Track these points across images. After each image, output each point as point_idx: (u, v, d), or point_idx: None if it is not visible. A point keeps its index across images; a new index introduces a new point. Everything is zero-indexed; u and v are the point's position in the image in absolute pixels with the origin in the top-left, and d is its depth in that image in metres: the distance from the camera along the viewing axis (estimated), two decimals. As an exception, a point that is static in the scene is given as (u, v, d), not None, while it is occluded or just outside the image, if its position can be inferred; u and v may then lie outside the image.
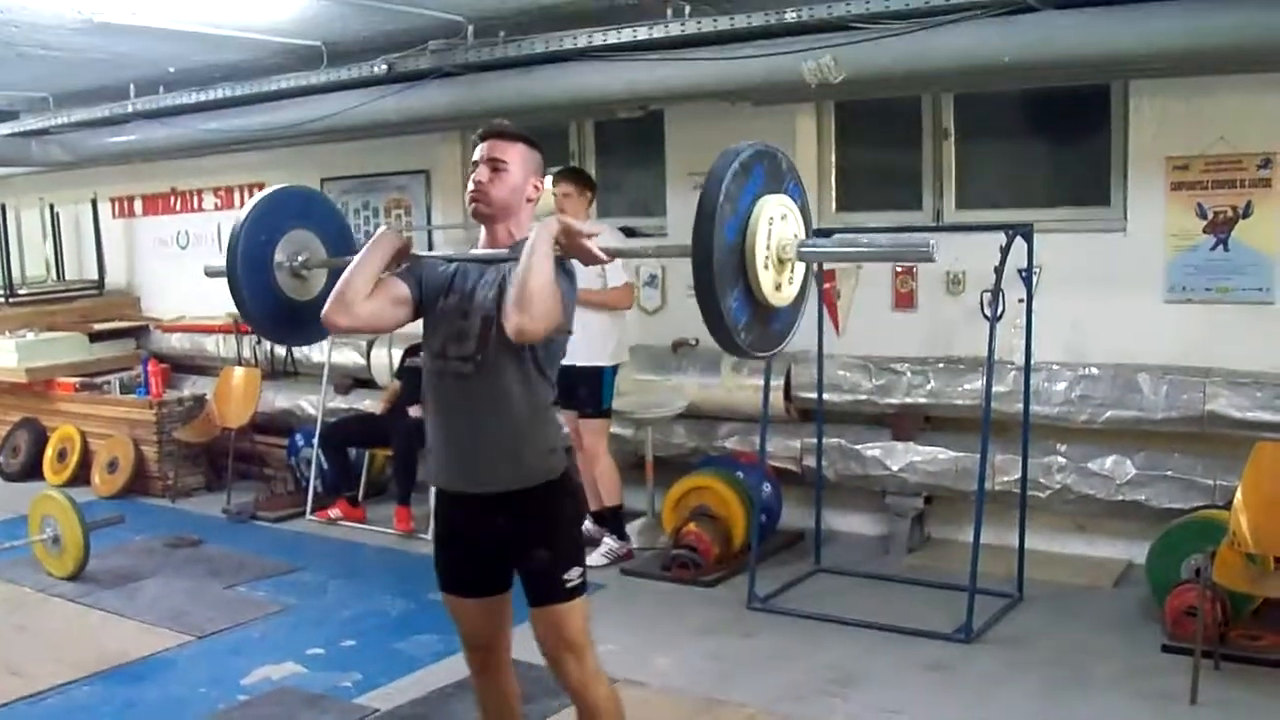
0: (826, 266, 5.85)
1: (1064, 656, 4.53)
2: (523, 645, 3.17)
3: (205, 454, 7.95)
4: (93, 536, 5.82)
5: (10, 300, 9.09)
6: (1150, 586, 4.82)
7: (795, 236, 2.69)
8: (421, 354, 3.10)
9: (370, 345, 7.69)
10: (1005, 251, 4.78)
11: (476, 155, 2.99)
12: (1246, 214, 5.15)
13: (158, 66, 6.74)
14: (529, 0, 5.35)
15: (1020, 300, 5.14)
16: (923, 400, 5.81)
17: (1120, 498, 5.32)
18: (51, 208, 9.68)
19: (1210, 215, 5.23)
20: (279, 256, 3.27)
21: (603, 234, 2.93)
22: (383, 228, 3.08)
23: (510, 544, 2.98)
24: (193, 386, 8.53)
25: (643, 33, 5.29)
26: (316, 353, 7.87)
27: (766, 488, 5.79)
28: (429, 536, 3.22)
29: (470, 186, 2.97)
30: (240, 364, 8.25)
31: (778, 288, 2.66)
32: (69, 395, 8.30)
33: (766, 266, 2.60)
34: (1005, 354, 5.30)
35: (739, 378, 6.18)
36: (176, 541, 6.55)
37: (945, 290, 5.89)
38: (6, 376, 8.32)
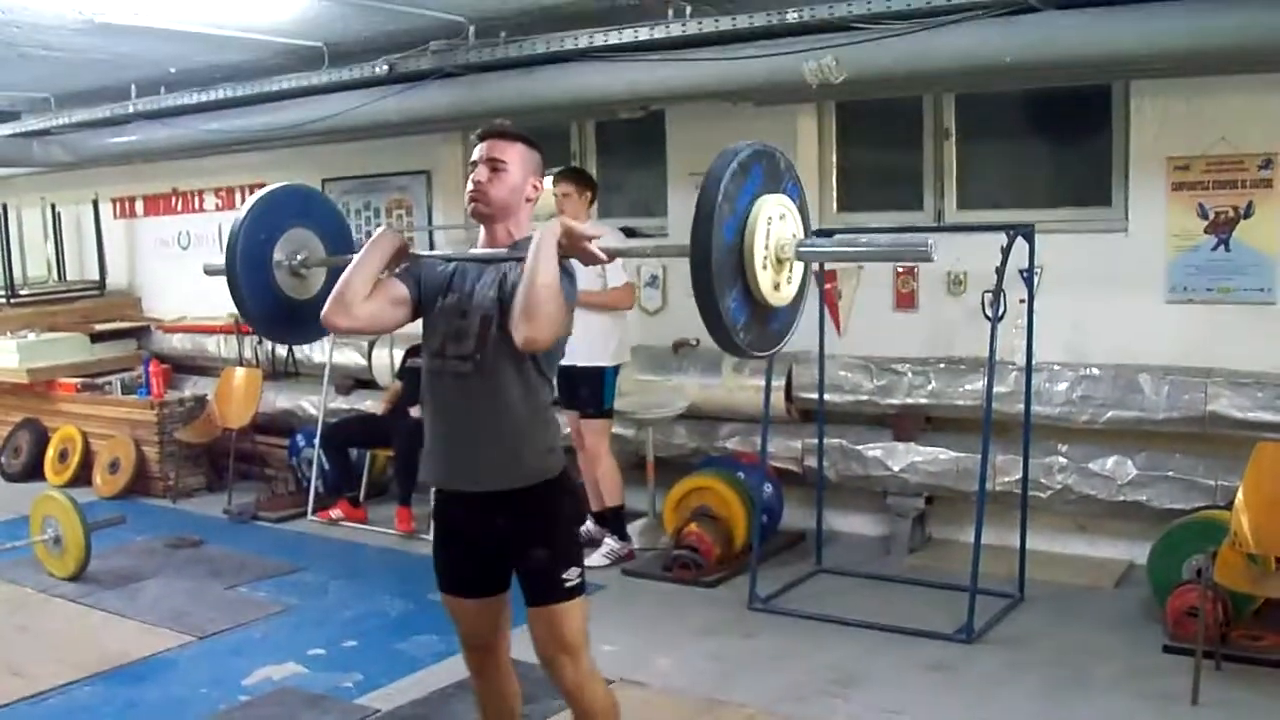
0: (827, 266, 5.85)
1: (1065, 657, 4.53)
2: (523, 646, 3.17)
3: (206, 454, 7.95)
4: (94, 537, 5.83)
5: (12, 301, 9.09)
6: (1151, 587, 4.82)
7: (794, 236, 2.68)
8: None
9: (371, 346, 7.69)
10: (1006, 252, 4.77)
11: (476, 155, 2.99)
12: (1248, 214, 5.15)
13: (159, 67, 6.75)
14: (530, 1, 5.35)
15: (1021, 300, 5.14)
16: (924, 401, 5.81)
17: (1121, 498, 5.32)
18: (53, 208, 9.69)
19: (1211, 215, 5.22)
20: (278, 255, 3.28)
21: (604, 236, 2.93)
22: (381, 228, 3.08)
23: (510, 543, 2.98)
24: (194, 387, 8.53)
25: (644, 33, 5.29)
26: (318, 353, 7.87)
27: (768, 488, 5.79)
28: (430, 537, 3.22)
29: (469, 186, 2.97)
30: (241, 364, 8.25)
31: (776, 287, 2.66)
32: (70, 396, 8.31)
33: (765, 266, 2.60)
34: (1006, 354, 5.30)
35: (740, 378, 6.18)
36: (178, 542, 6.56)
37: (946, 291, 5.89)
38: (8, 377, 8.32)
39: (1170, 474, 5.21)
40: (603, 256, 2.84)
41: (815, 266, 5.04)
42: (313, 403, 7.74)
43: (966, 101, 5.92)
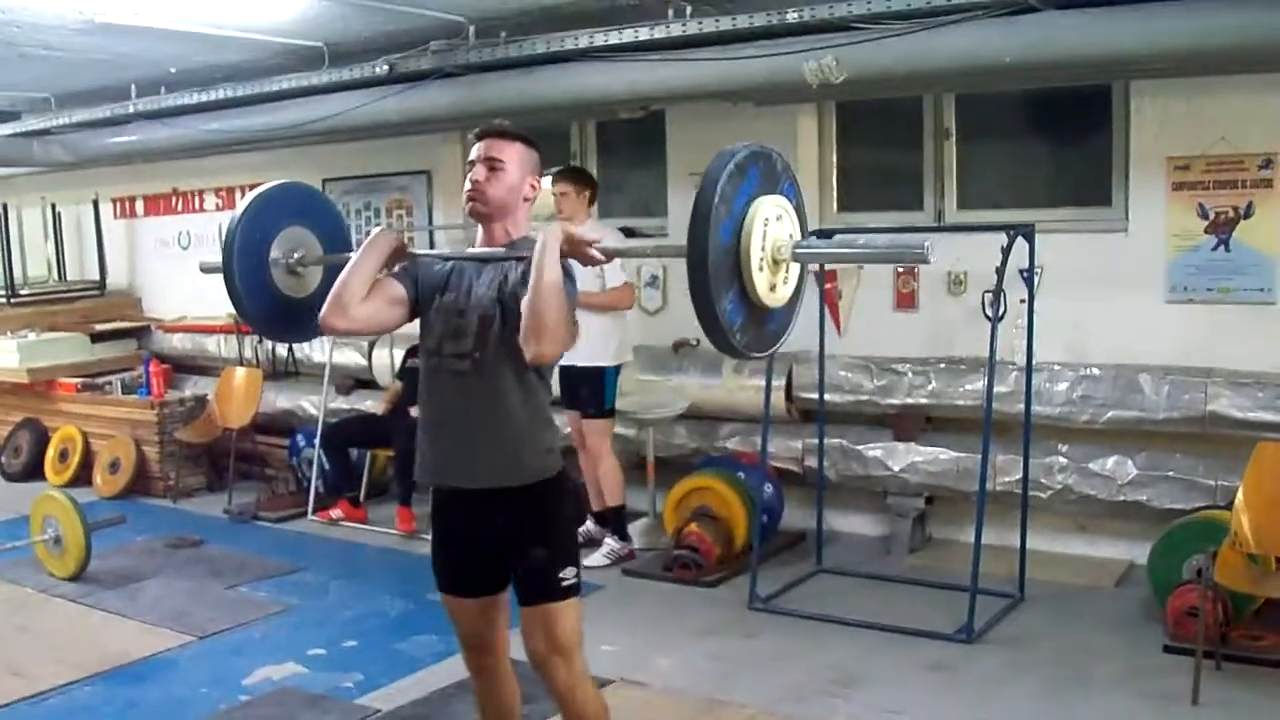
0: (827, 267, 5.85)
1: (1065, 657, 4.53)
2: (521, 646, 3.16)
3: (207, 454, 7.95)
4: (94, 537, 5.83)
5: (12, 300, 9.09)
6: (1152, 587, 4.82)
7: (790, 237, 2.68)
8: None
9: (372, 346, 7.69)
10: (1006, 252, 4.78)
11: (474, 154, 2.99)
12: (1248, 214, 5.15)
13: (159, 67, 6.75)
14: (530, 1, 5.35)
15: (1021, 300, 5.14)
16: (924, 401, 5.80)
17: (1122, 498, 5.32)
18: (53, 208, 9.69)
19: (1211, 215, 5.22)
20: (275, 253, 3.28)
21: (604, 238, 2.93)
22: (378, 228, 3.09)
23: (508, 543, 2.98)
24: (194, 387, 8.53)
25: (644, 33, 5.29)
26: (318, 353, 7.88)
27: (768, 488, 5.79)
28: (430, 537, 3.23)
29: (467, 186, 2.97)
30: (241, 364, 8.25)
31: (773, 288, 2.66)
32: (70, 396, 8.31)
33: (761, 268, 2.60)
34: (1006, 354, 5.30)
35: (740, 378, 6.17)
36: (178, 542, 6.56)
37: (947, 291, 5.89)
38: (8, 377, 8.32)
39: (1170, 474, 5.21)
40: (602, 259, 2.84)
41: (814, 267, 5.06)
42: (313, 403, 7.74)
43: (966, 101, 5.92)
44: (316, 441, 7.23)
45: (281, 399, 8.07)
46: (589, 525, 6.00)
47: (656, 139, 6.73)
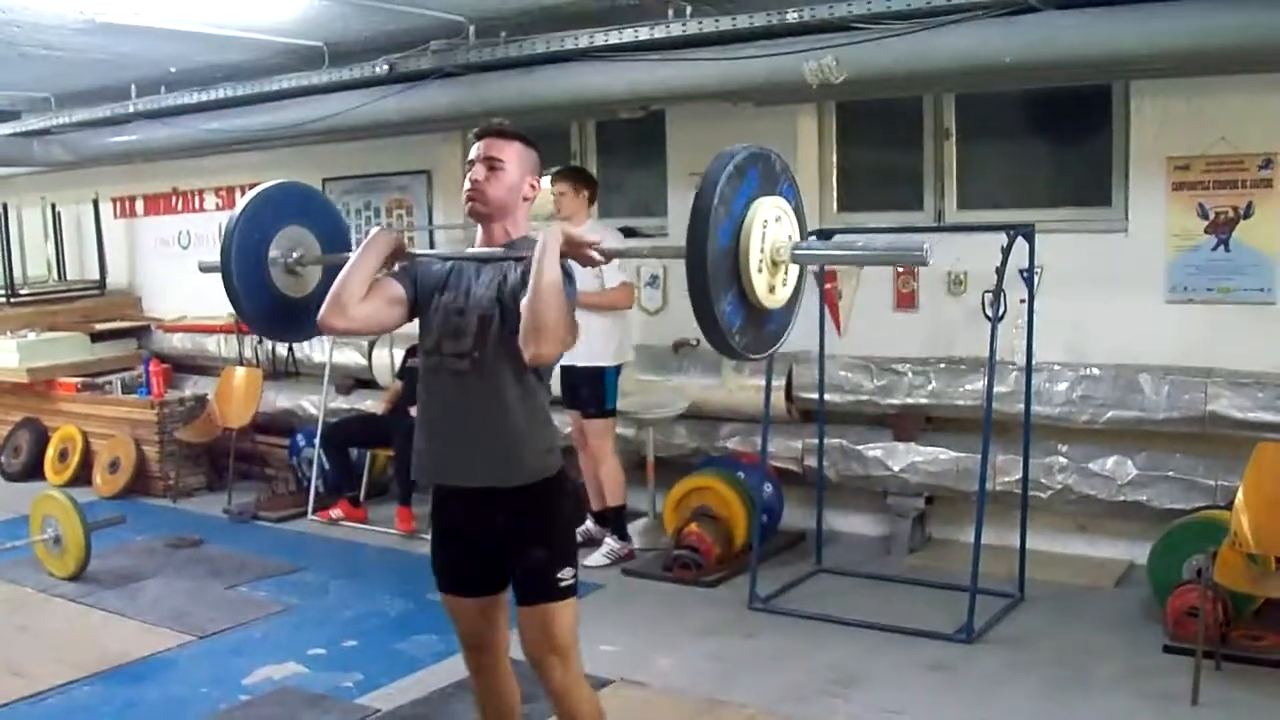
0: (826, 267, 5.85)
1: (1065, 657, 4.53)
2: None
3: (206, 454, 7.95)
4: (94, 537, 5.83)
5: (12, 300, 9.09)
6: (1152, 587, 4.82)
7: (789, 239, 2.68)
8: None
9: (372, 345, 7.69)
10: (1006, 252, 4.78)
11: (473, 154, 2.99)
12: (1248, 214, 5.15)
13: (159, 66, 6.75)
14: (530, 1, 5.35)
15: (1021, 300, 5.14)
16: (924, 401, 5.80)
17: (1121, 498, 5.32)
18: (53, 207, 9.69)
19: (1211, 215, 5.22)
20: (273, 253, 3.28)
21: (604, 239, 2.93)
22: (376, 228, 3.08)
23: (508, 542, 2.98)
24: (194, 386, 8.53)
25: (644, 33, 5.29)
26: (318, 353, 7.88)
27: (768, 488, 5.79)
28: (430, 536, 3.23)
29: (467, 185, 2.97)
30: (241, 364, 8.25)
31: (771, 290, 2.66)
32: (70, 395, 8.31)
33: (760, 269, 2.60)
34: (1006, 354, 5.30)
35: (740, 378, 6.17)
36: (178, 542, 6.56)
37: (947, 291, 5.89)
38: (8, 376, 8.32)
39: (1170, 474, 5.21)
40: (603, 260, 2.84)
41: (814, 267, 5.06)
42: (313, 402, 7.74)
43: (966, 101, 5.92)
44: (316, 441, 7.23)
45: (281, 399, 8.07)
46: (589, 525, 6.00)
47: (656, 139, 6.73)
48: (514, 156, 2.96)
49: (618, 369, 5.89)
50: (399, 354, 7.27)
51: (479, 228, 3.03)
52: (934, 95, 5.93)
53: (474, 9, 5.52)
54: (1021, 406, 5.23)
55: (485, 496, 2.95)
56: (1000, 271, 4.75)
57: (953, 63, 4.75)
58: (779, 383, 5.92)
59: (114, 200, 9.63)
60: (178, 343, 8.98)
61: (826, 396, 5.73)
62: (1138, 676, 4.29)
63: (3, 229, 9.39)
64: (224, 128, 7.11)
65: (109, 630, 5.19)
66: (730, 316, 2.57)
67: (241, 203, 3.28)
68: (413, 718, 4.19)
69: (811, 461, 5.89)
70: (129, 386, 8.29)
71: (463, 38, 5.80)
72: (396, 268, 3.04)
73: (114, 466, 7.78)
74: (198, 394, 8.21)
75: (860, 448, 5.93)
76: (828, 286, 6.00)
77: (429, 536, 3.21)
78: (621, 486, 5.93)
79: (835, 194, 6.34)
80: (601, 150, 7.16)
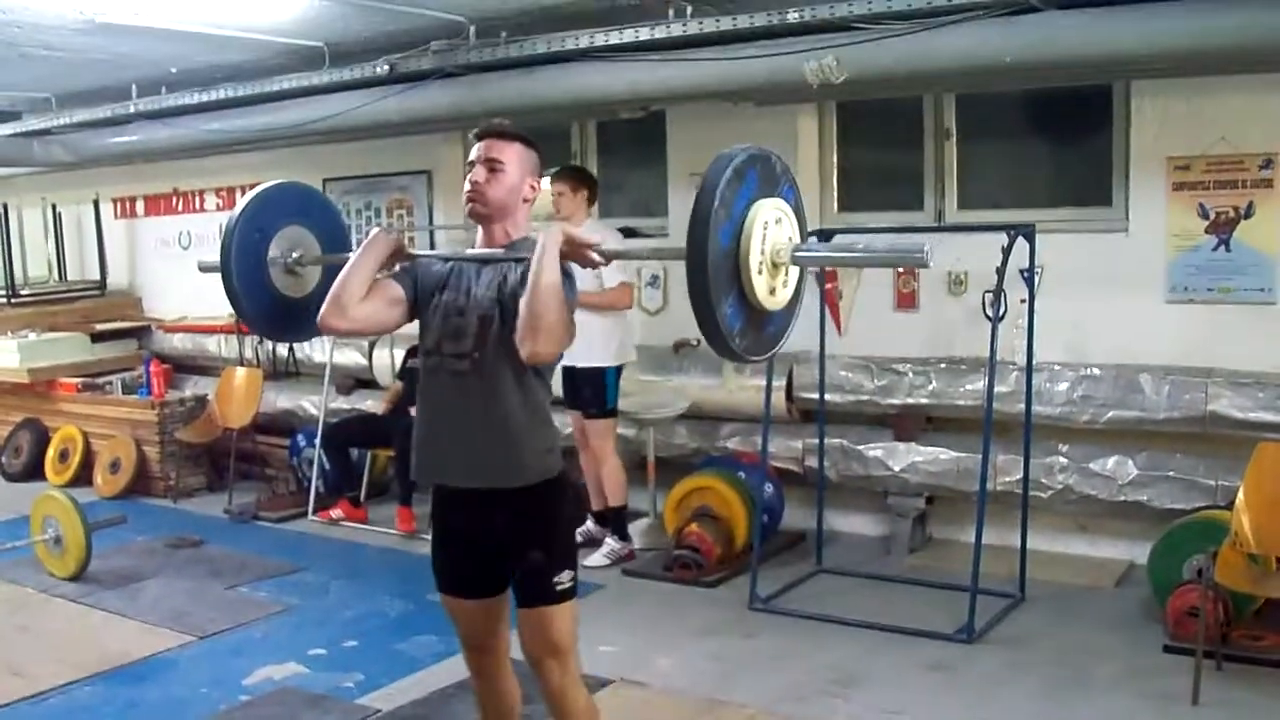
0: (826, 268, 5.84)
1: (1066, 657, 4.53)
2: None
3: (207, 454, 7.95)
4: (94, 537, 5.83)
5: (12, 300, 9.09)
6: (1152, 587, 4.82)
7: (790, 240, 2.68)
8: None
9: (372, 346, 7.69)
10: (1007, 252, 4.78)
11: (473, 155, 2.99)
12: (1248, 214, 5.15)
13: (160, 67, 6.75)
14: (531, 1, 5.35)
15: (1022, 300, 5.14)
16: (924, 401, 5.80)
17: (1122, 498, 5.32)
18: (54, 208, 9.69)
19: (1212, 215, 5.22)
20: (273, 253, 3.28)
21: (604, 240, 2.93)
22: (375, 229, 3.08)
23: (508, 543, 2.97)
24: (194, 387, 8.53)
25: (644, 33, 5.29)
26: (318, 353, 7.88)
27: (768, 488, 5.79)
28: (430, 537, 3.24)
29: (467, 186, 2.97)
30: (242, 364, 8.25)
31: (772, 292, 2.66)
32: (71, 396, 8.31)
33: (761, 271, 2.60)
34: (1007, 354, 5.30)
35: (741, 378, 6.17)
36: (178, 542, 6.56)
37: (947, 291, 5.88)
38: (8, 377, 8.32)
39: (1171, 474, 5.21)
40: (603, 262, 2.84)
41: (814, 269, 5.05)
42: (313, 403, 7.74)
43: (967, 101, 5.92)
44: (317, 441, 7.23)
45: (282, 399, 8.07)
46: (589, 525, 6.01)
47: (657, 139, 6.73)
48: (514, 158, 2.96)
49: (619, 369, 5.88)
50: (399, 354, 7.27)
51: (479, 229, 3.03)
52: (934, 95, 5.93)
53: (474, 9, 5.52)
54: (1022, 406, 5.23)
55: (485, 498, 2.95)
56: (1000, 271, 4.75)
57: (953, 63, 4.75)
58: (779, 383, 5.92)
59: (114, 201, 9.63)
60: (178, 343, 8.98)
61: (827, 396, 5.73)
62: (1138, 676, 4.29)
63: (3, 229, 9.40)
64: (224, 128, 7.11)
65: (109, 630, 5.19)
66: (731, 319, 2.57)
67: (241, 203, 3.29)
68: (413, 718, 4.19)
69: (812, 461, 5.89)
70: (129, 387, 8.29)
71: (463, 38, 5.80)
72: (397, 268, 3.04)
73: (114, 467, 7.79)
74: (198, 394, 8.22)
75: (861, 448, 5.93)
76: (828, 286, 6.01)
77: (429, 537, 3.21)
78: (623, 487, 5.93)
79: (835, 194, 6.34)
80: (602, 150, 7.16)
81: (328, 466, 7.16)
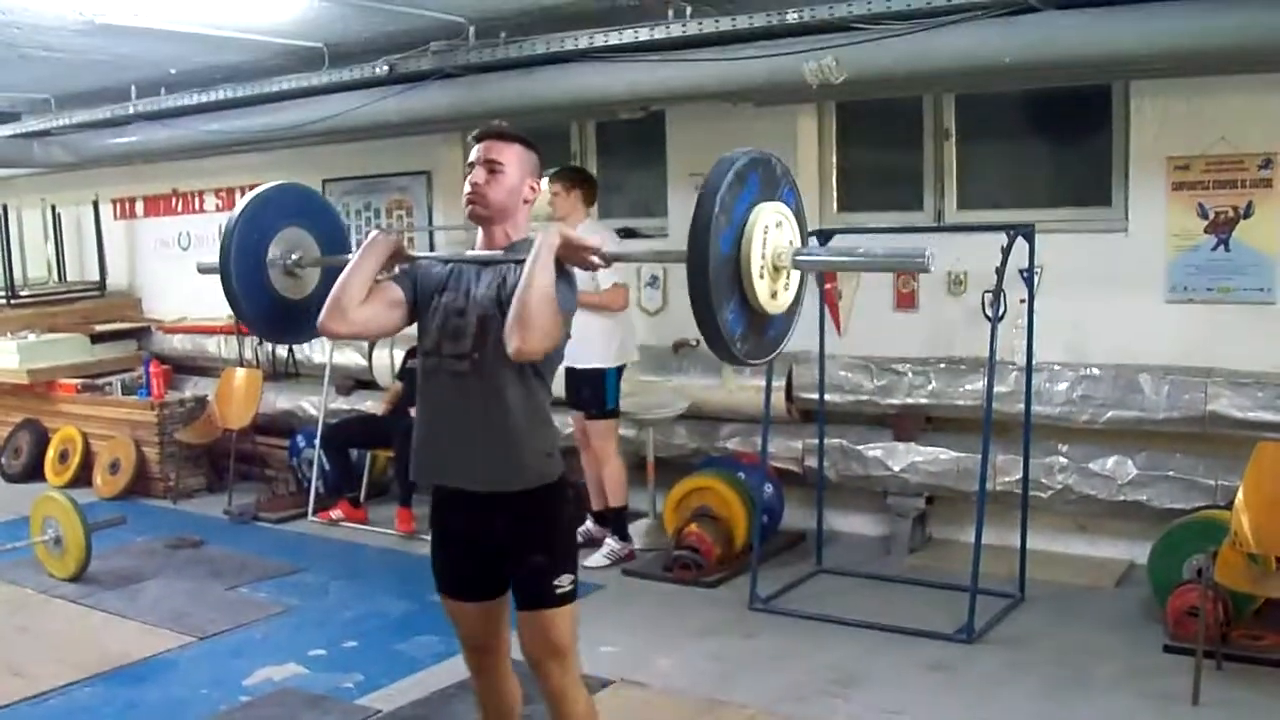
0: (826, 269, 5.85)
1: (1065, 657, 4.53)
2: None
3: (207, 455, 7.95)
4: (94, 538, 5.83)
5: (12, 301, 9.10)
6: (1152, 587, 4.82)
7: (790, 244, 2.68)
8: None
9: (372, 347, 7.69)
10: (1006, 252, 4.78)
11: (473, 156, 2.99)
12: (1248, 214, 5.15)
13: (159, 68, 6.75)
14: (530, 1, 5.35)
15: (1021, 300, 5.14)
16: (924, 401, 5.80)
17: (1122, 498, 5.32)
18: (53, 209, 9.69)
19: (1211, 215, 5.22)
20: (272, 254, 3.27)
21: (603, 242, 2.92)
22: (374, 232, 3.08)
23: (508, 545, 2.97)
24: (194, 388, 8.54)
25: (644, 34, 5.29)
26: (318, 354, 7.88)
27: (768, 488, 5.79)
28: (430, 538, 3.24)
29: (467, 188, 2.97)
30: (241, 365, 8.25)
31: (773, 295, 2.66)
32: (70, 396, 8.31)
33: (762, 275, 2.60)
34: (1006, 354, 5.30)
35: (740, 379, 6.17)
36: (178, 542, 6.56)
37: (947, 291, 5.89)
38: (8, 378, 8.32)
39: (1170, 474, 5.21)
40: (602, 265, 2.84)
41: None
42: (313, 403, 7.74)
43: (966, 101, 5.92)
44: (317, 442, 7.23)
45: (281, 400, 8.07)
46: (589, 525, 6.01)
47: (656, 139, 6.73)
48: (514, 159, 2.96)
49: (619, 370, 5.88)
50: (399, 355, 7.27)
51: (479, 230, 3.03)
52: (934, 95, 5.93)
53: (474, 10, 5.52)
54: (1021, 406, 5.23)
55: (485, 500, 2.95)
56: (1000, 271, 4.75)
57: (953, 63, 4.75)
58: (779, 383, 5.92)
59: (114, 201, 9.64)
60: (178, 344, 8.98)
61: (827, 396, 5.73)
62: (1138, 676, 4.30)
63: (3, 230, 9.40)
64: (224, 129, 7.11)
65: (109, 631, 5.19)
66: (733, 324, 2.57)
67: (240, 204, 3.28)
68: (413, 718, 4.19)
69: (812, 462, 5.89)
70: (129, 388, 8.28)
71: (463, 39, 5.80)
72: (396, 270, 3.04)
73: (114, 468, 7.78)
74: (198, 395, 8.22)
75: (860, 448, 5.93)
76: (828, 287, 6.00)
77: (429, 538, 3.21)
78: (623, 487, 5.93)
79: (835, 194, 6.34)
80: (601, 151, 7.16)
81: (327, 467, 7.16)
